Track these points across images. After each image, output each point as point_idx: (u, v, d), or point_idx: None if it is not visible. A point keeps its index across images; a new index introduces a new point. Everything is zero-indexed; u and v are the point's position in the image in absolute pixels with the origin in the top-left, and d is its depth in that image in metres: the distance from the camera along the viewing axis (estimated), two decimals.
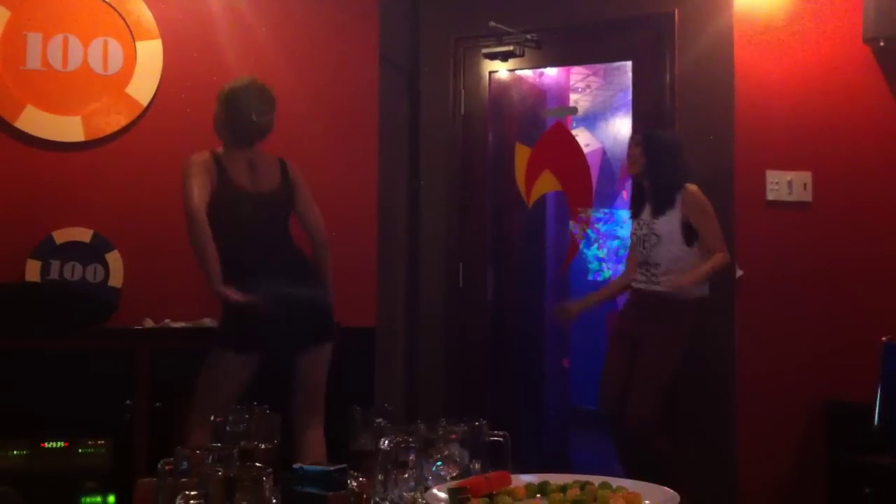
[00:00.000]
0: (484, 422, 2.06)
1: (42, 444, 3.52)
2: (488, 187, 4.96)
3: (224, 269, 3.35)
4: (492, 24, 4.75)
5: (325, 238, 3.71)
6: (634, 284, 4.12)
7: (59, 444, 3.52)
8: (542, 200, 5.11)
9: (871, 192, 4.30)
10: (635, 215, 4.16)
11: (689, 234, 3.97)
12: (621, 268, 4.88)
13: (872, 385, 3.61)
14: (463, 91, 4.93)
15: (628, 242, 4.37)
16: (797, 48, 4.28)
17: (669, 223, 3.99)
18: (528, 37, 4.77)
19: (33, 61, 4.14)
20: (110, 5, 4.25)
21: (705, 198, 3.97)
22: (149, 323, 4.00)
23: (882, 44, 4.18)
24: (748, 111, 4.23)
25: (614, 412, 3.98)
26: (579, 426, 5.65)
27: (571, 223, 5.00)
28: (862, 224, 4.28)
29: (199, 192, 3.36)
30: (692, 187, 3.98)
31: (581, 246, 5.93)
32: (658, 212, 4.01)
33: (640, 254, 4.09)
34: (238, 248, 3.44)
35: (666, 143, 4.10)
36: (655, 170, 4.04)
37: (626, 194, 5.84)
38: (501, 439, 2.03)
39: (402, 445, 1.90)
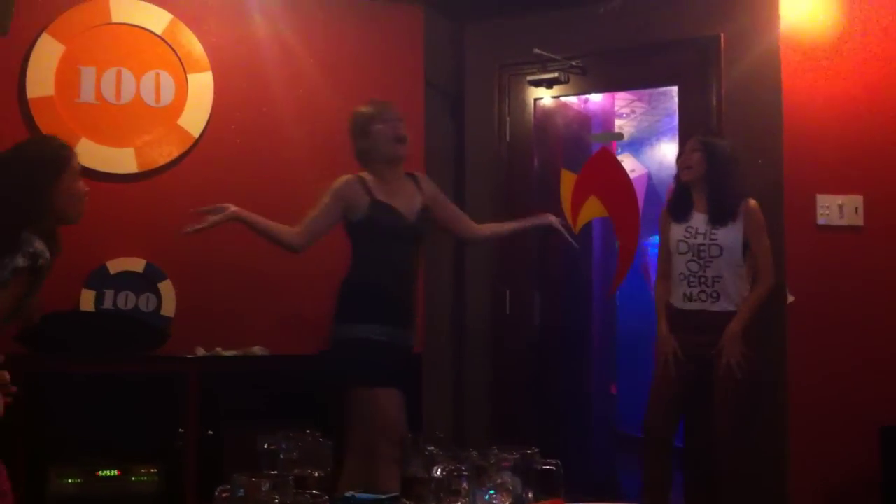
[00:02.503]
0: (536, 450, 2.06)
1: (97, 473, 3.57)
2: (534, 213, 4.95)
3: (362, 296, 3.43)
4: (536, 51, 4.76)
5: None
6: (685, 305, 3.91)
7: (112, 472, 3.57)
8: (588, 226, 5.09)
9: None
10: (679, 220, 3.97)
11: (746, 251, 3.88)
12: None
13: None
14: (508, 117, 4.95)
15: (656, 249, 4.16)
16: (845, 69, 4.24)
17: (733, 236, 3.85)
18: (573, 63, 4.78)
19: (87, 95, 4.24)
20: (162, 39, 4.34)
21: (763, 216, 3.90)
22: (200, 351, 4.05)
23: None
24: (797, 134, 4.18)
25: (662, 435, 3.91)
26: (627, 452, 5.59)
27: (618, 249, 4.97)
28: None
29: (320, 215, 3.47)
30: (753, 202, 3.89)
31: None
32: (719, 222, 3.87)
33: (690, 265, 3.89)
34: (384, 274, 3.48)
35: (728, 151, 3.98)
36: (718, 178, 3.89)
37: None
38: (554, 467, 2.02)
39: (455, 473, 1.90)
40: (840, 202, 4.20)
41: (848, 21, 4.24)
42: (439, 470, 1.94)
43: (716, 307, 3.87)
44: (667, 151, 6.66)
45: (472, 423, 4.78)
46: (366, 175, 3.53)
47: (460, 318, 4.90)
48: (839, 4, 4.24)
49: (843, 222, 4.20)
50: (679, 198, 4.03)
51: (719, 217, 3.87)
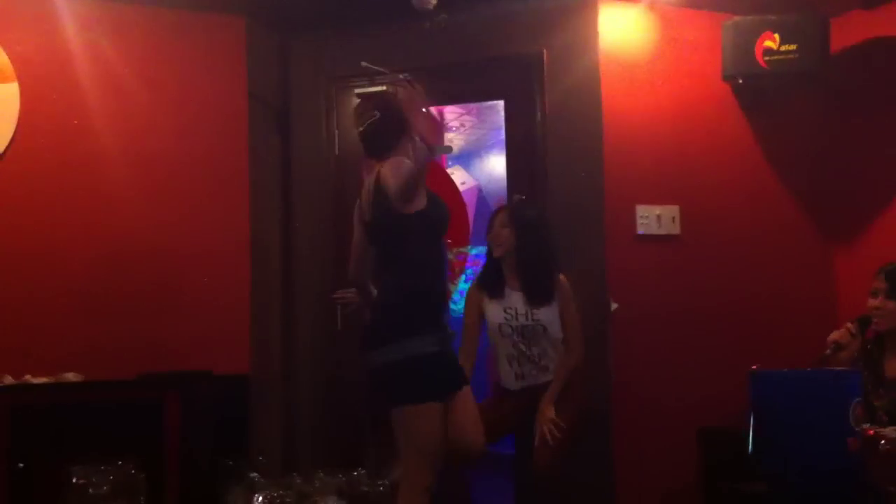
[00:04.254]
0: (363, 471, 2.01)
1: None
2: None
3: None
4: (364, 63, 4.71)
5: None
6: (518, 383, 3.82)
7: None
8: None
9: (735, 224, 4.47)
10: (495, 297, 3.83)
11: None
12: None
13: (744, 413, 3.71)
14: (337, 131, 4.88)
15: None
16: (661, 86, 4.41)
17: (553, 314, 3.78)
18: (401, 76, 4.77)
19: None
20: None
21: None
22: (8, 379, 3.78)
23: (741, 81, 4.36)
24: (617, 147, 4.32)
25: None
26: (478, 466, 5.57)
27: (450, 260, 4.99)
28: (728, 255, 4.44)
29: None
30: (563, 278, 3.84)
31: (459, 283, 5.95)
32: (538, 303, 3.77)
33: (518, 346, 3.80)
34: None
35: (539, 221, 3.88)
36: (529, 253, 3.79)
37: None
38: (381, 488, 1.98)
39: (277, 501, 1.83)
40: (658, 212, 4.36)
41: (661, 38, 4.42)
42: (260, 498, 1.86)
43: (543, 378, 3.83)
44: (496, 164, 6.76)
45: (304, 447, 4.62)
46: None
47: (290, 336, 4.78)
48: (653, 22, 4.42)
49: (662, 231, 4.36)
50: (490, 273, 3.90)
51: (537, 298, 3.79)
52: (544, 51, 4.47)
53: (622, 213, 4.32)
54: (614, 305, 4.24)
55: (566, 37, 4.43)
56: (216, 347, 4.20)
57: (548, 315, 3.79)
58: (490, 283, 3.88)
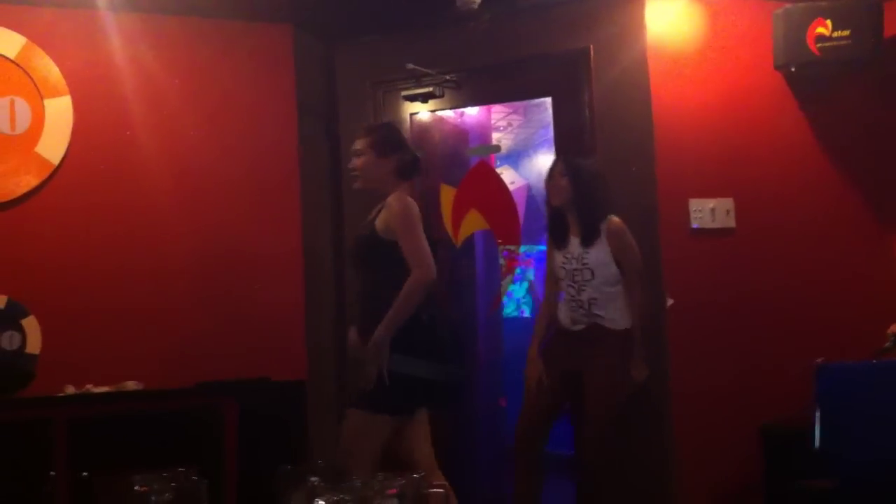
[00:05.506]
0: (422, 473, 2.00)
1: None
2: None
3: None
4: (410, 66, 4.73)
5: None
6: (572, 327, 3.97)
7: None
8: (470, 240, 5.07)
9: (792, 215, 4.38)
10: (559, 247, 4.04)
11: (619, 267, 3.93)
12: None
13: (808, 408, 3.64)
14: None
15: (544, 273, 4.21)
16: (711, 77, 4.35)
17: (601, 255, 3.90)
18: (447, 77, 4.77)
19: None
20: (15, 63, 4.14)
21: (627, 230, 3.94)
22: (70, 389, 3.84)
23: (793, 69, 4.27)
24: (667, 141, 4.26)
25: (533, 446, 3.94)
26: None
27: (501, 261, 4.97)
28: (785, 246, 4.35)
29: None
30: (616, 219, 3.93)
31: (508, 284, 5.92)
32: (588, 243, 3.92)
33: (569, 289, 3.97)
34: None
35: (593, 171, 4.02)
36: (583, 200, 3.94)
37: None
38: (442, 490, 1.97)
39: None
40: (712, 205, 4.30)
41: (709, 29, 4.36)
42: (321, 502, 1.86)
43: (594, 321, 3.91)
44: (545, 162, 6.71)
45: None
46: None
47: (344, 342, 4.78)
48: (700, 13, 4.36)
49: (716, 225, 4.30)
50: (555, 223, 4.07)
51: (588, 238, 3.92)
52: (590, 46, 4.43)
53: (675, 207, 4.26)
54: (670, 301, 4.19)
55: (612, 31, 4.38)
56: (273, 354, 4.23)
57: (596, 258, 3.88)
58: (554, 232, 4.05)
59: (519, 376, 4.16)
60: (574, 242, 3.98)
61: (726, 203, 4.31)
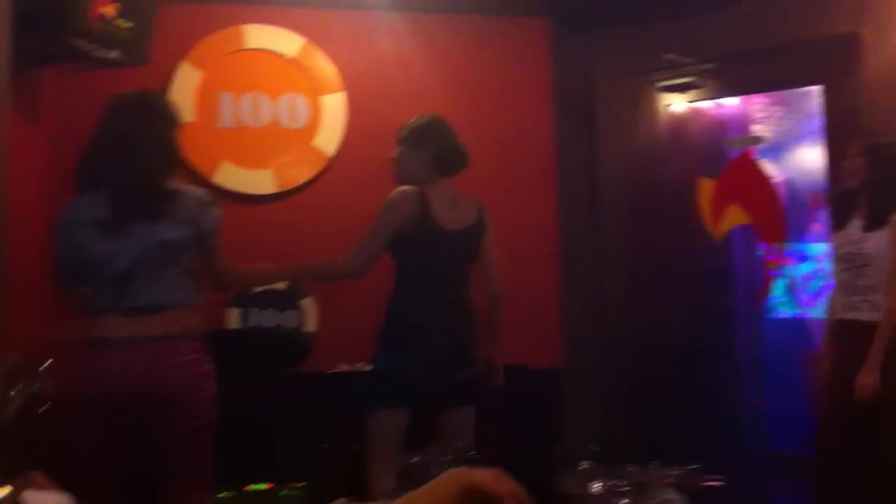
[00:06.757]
0: (700, 466, 1.97)
1: (245, 488, 3.61)
2: (672, 224, 4.83)
3: (400, 307, 3.33)
4: (668, 56, 4.65)
5: (501, 288, 3.54)
6: (846, 315, 3.74)
7: (262, 486, 3.60)
8: (728, 235, 4.92)
9: None
10: (838, 228, 3.83)
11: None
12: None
13: None
14: (641, 127, 4.84)
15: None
16: None
17: (880, 244, 3.64)
18: (707, 66, 4.65)
19: (226, 119, 4.34)
20: (295, 62, 4.42)
21: None
22: (343, 367, 4.07)
23: None
24: None
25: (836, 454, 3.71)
26: (779, 474, 5.31)
27: (763, 258, 4.79)
28: None
29: (381, 239, 3.31)
30: None
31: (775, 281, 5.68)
32: (869, 228, 3.68)
33: (842, 274, 3.75)
34: (425, 284, 3.34)
35: (892, 151, 3.76)
36: (882, 184, 3.69)
37: (817, 227, 5.55)
38: (721, 483, 1.93)
39: (616, 489, 1.83)
40: None
41: None
42: (598, 485, 1.87)
43: (870, 316, 3.64)
44: (807, 156, 6.38)
45: (612, 440, 4.62)
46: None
47: (600, 332, 4.78)
48: None
49: None
50: (839, 205, 3.89)
51: (870, 224, 3.69)
52: (862, 30, 4.17)
53: None
54: None
55: (883, 17, 4.13)
56: (530, 343, 4.29)
57: (875, 245, 3.64)
58: (837, 214, 3.87)
59: (780, 378, 4.00)
60: (854, 225, 3.75)
61: None
